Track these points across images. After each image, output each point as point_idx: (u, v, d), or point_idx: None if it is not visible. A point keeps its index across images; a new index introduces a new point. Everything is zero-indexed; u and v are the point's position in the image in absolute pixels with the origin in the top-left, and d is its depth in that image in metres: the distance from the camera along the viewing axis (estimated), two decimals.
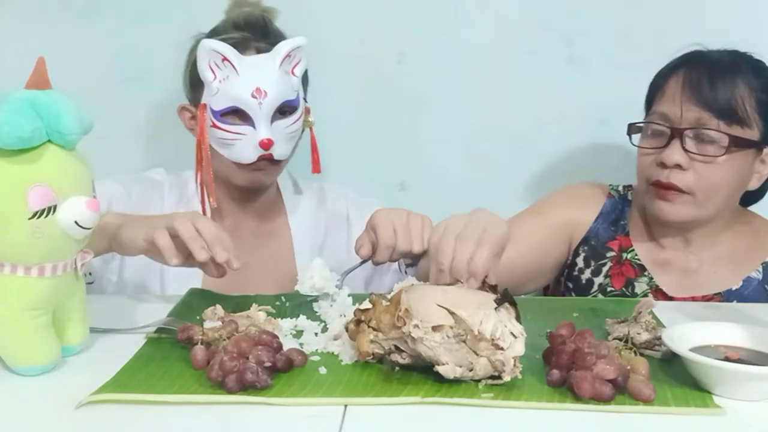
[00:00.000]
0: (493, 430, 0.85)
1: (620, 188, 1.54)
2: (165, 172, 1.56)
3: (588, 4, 1.76)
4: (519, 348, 0.91)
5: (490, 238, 1.10)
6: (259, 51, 1.43)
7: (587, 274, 1.49)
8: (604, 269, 1.48)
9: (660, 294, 1.42)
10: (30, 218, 0.89)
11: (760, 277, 1.44)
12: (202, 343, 0.96)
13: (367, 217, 1.41)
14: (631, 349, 0.96)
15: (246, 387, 0.89)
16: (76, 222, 0.92)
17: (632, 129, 1.44)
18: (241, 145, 1.42)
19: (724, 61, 1.38)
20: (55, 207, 0.91)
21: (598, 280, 1.48)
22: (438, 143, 1.80)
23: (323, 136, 1.79)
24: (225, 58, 1.39)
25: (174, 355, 0.99)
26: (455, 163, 1.82)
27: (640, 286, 1.45)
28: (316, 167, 1.54)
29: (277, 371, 0.93)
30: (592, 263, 1.49)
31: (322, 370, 0.95)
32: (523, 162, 1.83)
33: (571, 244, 1.51)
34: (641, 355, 0.96)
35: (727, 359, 0.93)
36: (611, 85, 1.77)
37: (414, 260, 1.30)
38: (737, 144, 1.34)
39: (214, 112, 1.42)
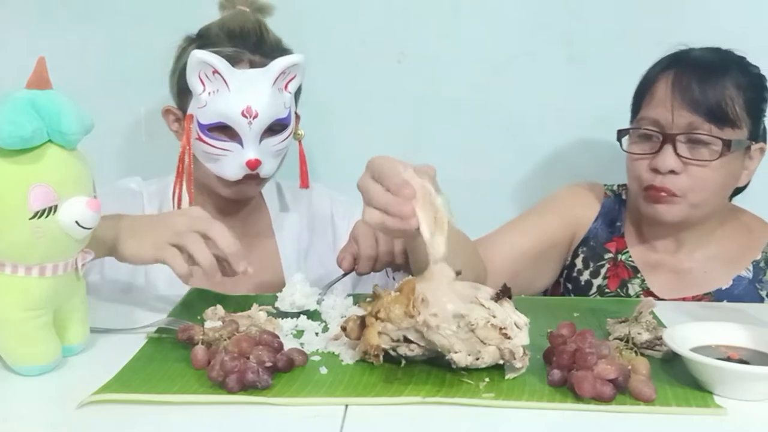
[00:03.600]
0: (493, 430, 0.85)
1: (615, 188, 1.54)
2: (141, 181, 1.51)
3: (588, 4, 1.76)
4: (524, 337, 0.94)
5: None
6: (252, 64, 1.38)
7: (586, 275, 1.50)
8: (603, 271, 1.48)
9: (650, 296, 1.42)
10: (31, 218, 0.89)
11: (750, 275, 1.43)
12: (202, 343, 0.96)
13: (352, 217, 1.39)
14: (631, 349, 0.96)
15: (247, 387, 0.89)
16: (76, 222, 0.92)
17: (622, 134, 1.42)
18: (227, 162, 1.37)
19: (711, 61, 1.37)
20: (55, 207, 0.91)
21: (597, 281, 1.48)
22: (438, 143, 1.80)
23: (323, 137, 1.80)
24: (216, 71, 1.33)
25: (175, 355, 0.99)
26: (455, 163, 1.81)
27: (633, 287, 1.46)
28: (305, 182, 1.49)
29: (278, 371, 0.93)
30: (591, 264, 1.49)
31: (323, 370, 0.95)
32: (523, 162, 1.83)
33: (573, 242, 1.51)
34: (642, 355, 0.96)
35: (728, 359, 0.93)
36: (611, 85, 1.76)
37: (403, 267, 1.28)
38: (729, 147, 1.33)
39: (200, 125, 1.37)
